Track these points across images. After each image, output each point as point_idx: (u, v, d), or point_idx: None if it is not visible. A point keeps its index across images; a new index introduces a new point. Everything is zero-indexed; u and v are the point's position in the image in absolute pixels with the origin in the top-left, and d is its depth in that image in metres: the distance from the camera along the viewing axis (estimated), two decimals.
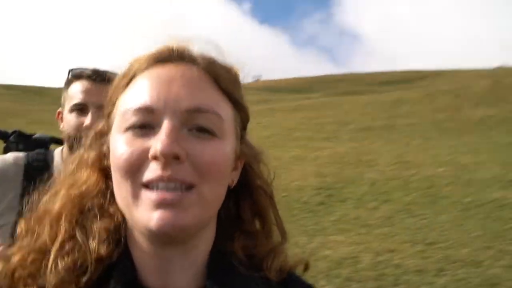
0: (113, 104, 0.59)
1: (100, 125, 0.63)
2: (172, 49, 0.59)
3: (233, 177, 0.61)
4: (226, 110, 0.57)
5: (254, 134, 0.68)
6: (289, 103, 21.62)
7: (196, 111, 0.54)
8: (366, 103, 17.84)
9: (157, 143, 0.51)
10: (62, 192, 0.59)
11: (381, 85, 32.95)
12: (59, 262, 0.54)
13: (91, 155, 0.61)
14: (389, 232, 5.57)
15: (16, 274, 0.54)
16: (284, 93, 33.96)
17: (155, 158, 0.51)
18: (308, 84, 41.17)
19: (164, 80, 0.55)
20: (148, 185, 0.52)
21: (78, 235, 0.55)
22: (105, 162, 0.59)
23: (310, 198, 6.78)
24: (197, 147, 0.53)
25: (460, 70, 42.16)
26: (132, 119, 0.54)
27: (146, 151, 0.52)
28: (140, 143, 0.53)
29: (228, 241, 0.61)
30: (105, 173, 0.59)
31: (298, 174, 8.06)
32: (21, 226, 0.60)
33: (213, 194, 0.55)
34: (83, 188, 0.59)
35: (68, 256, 0.54)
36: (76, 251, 0.54)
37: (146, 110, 0.54)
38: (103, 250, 0.55)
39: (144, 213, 0.52)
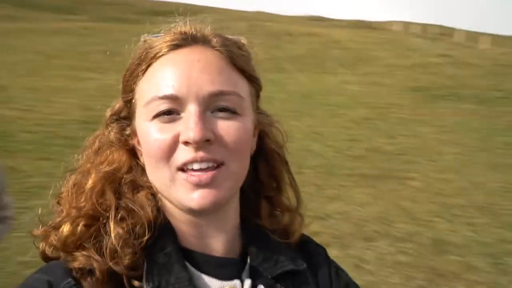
0: (132, 91, 0.62)
1: (116, 106, 0.66)
2: (186, 33, 0.61)
3: (252, 145, 0.65)
4: (244, 88, 0.61)
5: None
6: (47, 24, 18.95)
7: (219, 94, 0.57)
8: (138, 34, 17.26)
9: (188, 131, 0.55)
10: (94, 169, 0.62)
11: (152, 15, 32.24)
12: (118, 226, 0.57)
13: (112, 135, 0.65)
14: None
15: (69, 241, 0.58)
16: (40, 11, 29.35)
17: (187, 143, 0.55)
18: (70, 2, 36.55)
19: (183, 67, 0.58)
20: (183, 168, 0.56)
21: (129, 203, 0.59)
22: (130, 143, 0.64)
23: (75, 133, 6.34)
24: (223, 128, 0.57)
25: (224, 9, 45.08)
26: (159, 108, 0.57)
27: (176, 136, 0.56)
28: (169, 130, 0.57)
29: (254, 209, 0.68)
30: (132, 153, 0.64)
31: (61, 107, 7.35)
32: (58, 201, 0.63)
33: (241, 167, 0.60)
34: (114, 166, 0.62)
35: (125, 221, 0.57)
36: (130, 217, 0.58)
37: (171, 98, 0.57)
38: (152, 216, 0.59)
39: (184, 194, 0.57)
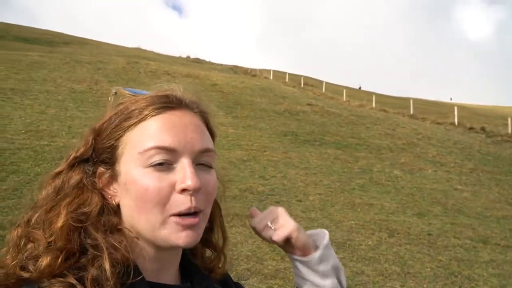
0: (116, 139, 0.69)
1: (82, 149, 0.71)
2: (173, 97, 0.71)
3: None
4: (213, 145, 0.73)
5: None
6: None
7: (205, 151, 0.69)
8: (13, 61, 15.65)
9: (186, 179, 0.64)
10: (65, 209, 0.66)
11: (16, 41, 29.54)
12: (95, 265, 0.62)
13: (80, 177, 0.69)
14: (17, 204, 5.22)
15: (46, 271, 0.60)
16: None
17: (183, 191, 0.65)
18: None
19: (180, 126, 0.68)
20: (175, 214, 0.65)
21: (104, 243, 0.63)
22: (99, 186, 0.69)
23: None
24: (205, 179, 0.68)
25: (104, 43, 43.48)
26: (156, 157, 0.65)
27: (172, 185, 0.65)
28: (166, 179, 0.65)
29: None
30: (102, 195, 0.69)
31: None
32: (28, 234, 0.65)
33: (209, 212, 0.71)
34: (87, 206, 0.67)
35: (101, 259, 0.62)
36: (106, 256, 0.62)
37: (169, 150, 0.66)
38: (126, 256, 0.64)
39: (173, 234, 0.65)
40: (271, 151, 11.36)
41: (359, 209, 7.70)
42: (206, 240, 0.80)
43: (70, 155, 0.71)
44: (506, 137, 16.80)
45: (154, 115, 0.68)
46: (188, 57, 46.19)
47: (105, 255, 0.62)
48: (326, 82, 32.17)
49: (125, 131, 0.69)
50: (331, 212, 7.41)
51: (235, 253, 5.08)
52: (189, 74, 21.48)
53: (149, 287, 0.66)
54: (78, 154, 0.71)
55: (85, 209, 0.66)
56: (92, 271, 0.61)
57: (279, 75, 37.45)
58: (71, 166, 0.71)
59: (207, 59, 47.53)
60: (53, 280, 0.60)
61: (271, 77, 34.47)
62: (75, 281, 0.60)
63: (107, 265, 0.61)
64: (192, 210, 0.65)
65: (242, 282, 4.51)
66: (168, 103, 0.70)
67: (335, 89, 32.29)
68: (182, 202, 0.65)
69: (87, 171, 0.70)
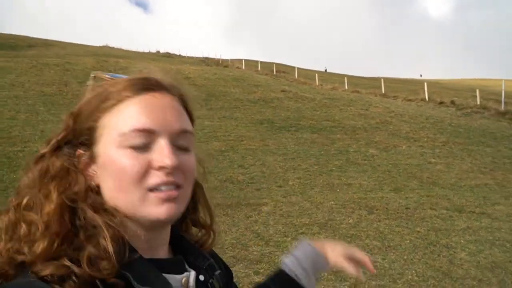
0: (95, 121, 0.70)
1: (63, 133, 0.71)
2: (152, 79, 0.72)
3: None
4: (191, 127, 0.74)
5: None
6: None
7: (183, 132, 0.71)
8: None
9: (164, 158, 0.66)
10: (55, 192, 0.66)
11: None
12: (91, 243, 0.63)
13: (64, 160, 0.70)
14: None
15: (43, 255, 0.61)
16: None
17: (161, 168, 0.66)
18: None
19: (158, 107, 0.69)
20: (153, 189, 0.66)
21: (96, 223, 0.64)
22: (79, 167, 0.69)
23: None
24: (184, 159, 0.69)
25: (69, 43, 42.38)
26: (136, 138, 0.67)
27: (149, 163, 0.66)
28: (143, 158, 0.66)
29: (180, 225, 0.82)
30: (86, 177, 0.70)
31: None
32: (23, 216, 0.66)
33: (190, 191, 0.73)
34: (75, 188, 0.67)
35: (96, 238, 0.63)
36: (100, 235, 0.63)
37: (148, 131, 0.67)
38: (118, 233, 0.65)
39: (153, 209, 0.66)
40: (248, 140, 11.42)
41: (338, 190, 7.87)
42: (194, 220, 0.83)
43: (52, 139, 0.72)
44: (475, 109, 17.30)
45: (133, 96, 0.69)
46: (158, 52, 45.57)
47: (104, 232, 0.63)
48: (298, 68, 32.24)
49: (103, 112, 0.69)
50: (311, 194, 7.55)
51: (219, 242, 5.14)
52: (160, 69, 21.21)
53: (149, 262, 0.67)
54: (60, 138, 0.71)
55: (75, 189, 0.67)
56: (90, 249, 0.61)
57: (251, 64, 37.39)
58: (54, 150, 0.71)
59: (177, 53, 47.04)
60: (46, 263, 0.60)
61: (243, 67, 34.41)
62: (69, 262, 0.60)
63: (107, 242, 0.62)
64: (169, 184, 0.66)
65: None
66: (147, 85, 0.71)
67: (307, 74, 32.47)
68: (159, 176, 0.66)
69: (69, 153, 0.70)
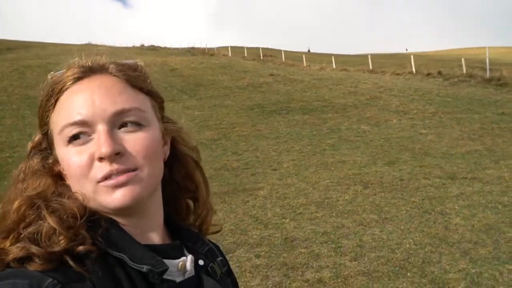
0: (46, 124, 0.70)
1: (36, 139, 0.73)
2: (84, 66, 0.69)
3: (165, 151, 0.74)
4: (144, 102, 0.70)
5: None
6: None
7: (121, 112, 0.66)
8: None
9: (100, 148, 0.63)
10: (19, 195, 0.67)
11: None
12: (51, 216, 0.63)
13: (35, 164, 0.71)
14: None
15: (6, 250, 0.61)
16: None
17: (101, 159, 0.63)
18: None
19: (87, 94, 0.66)
20: (101, 180, 0.64)
21: (56, 203, 0.65)
22: (56, 170, 0.70)
23: None
24: (131, 139, 0.66)
25: (49, 44, 41.75)
26: (71, 133, 0.65)
27: (91, 156, 0.64)
28: (84, 151, 0.64)
29: (176, 207, 0.81)
30: (57, 178, 0.70)
31: None
32: None
33: (153, 169, 0.68)
34: (39, 190, 0.67)
35: (57, 211, 0.64)
36: (61, 209, 0.64)
37: (80, 124, 0.64)
38: (81, 207, 0.65)
39: (106, 198, 0.64)
40: (240, 126, 11.43)
41: (332, 168, 7.93)
42: (194, 197, 0.82)
43: (28, 146, 0.74)
44: (462, 77, 17.38)
45: (65, 90, 0.68)
46: (143, 45, 45.05)
47: (44, 211, 0.63)
48: (285, 51, 32.15)
49: (50, 112, 0.69)
50: (306, 175, 7.60)
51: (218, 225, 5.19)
52: (146, 63, 21.01)
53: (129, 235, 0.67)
54: (34, 144, 0.73)
55: (37, 192, 0.67)
56: (42, 228, 0.61)
57: (238, 50, 37.14)
58: (28, 155, 0.73)
59: (162, 45, 46.54)
60: (10, 247, 0.61)
61: (230, 54, 34.19)
62: (29, 243, 0.60)
63: (51, 219, 0.62)
64: (115, 173, 0.64)
65: (230, 255, 4.64)
66: (79, 74, 0.68)
67: (295, 56, 32.35)
68: (103, 168, 0.64)
69: (44, 157, 0.71)
